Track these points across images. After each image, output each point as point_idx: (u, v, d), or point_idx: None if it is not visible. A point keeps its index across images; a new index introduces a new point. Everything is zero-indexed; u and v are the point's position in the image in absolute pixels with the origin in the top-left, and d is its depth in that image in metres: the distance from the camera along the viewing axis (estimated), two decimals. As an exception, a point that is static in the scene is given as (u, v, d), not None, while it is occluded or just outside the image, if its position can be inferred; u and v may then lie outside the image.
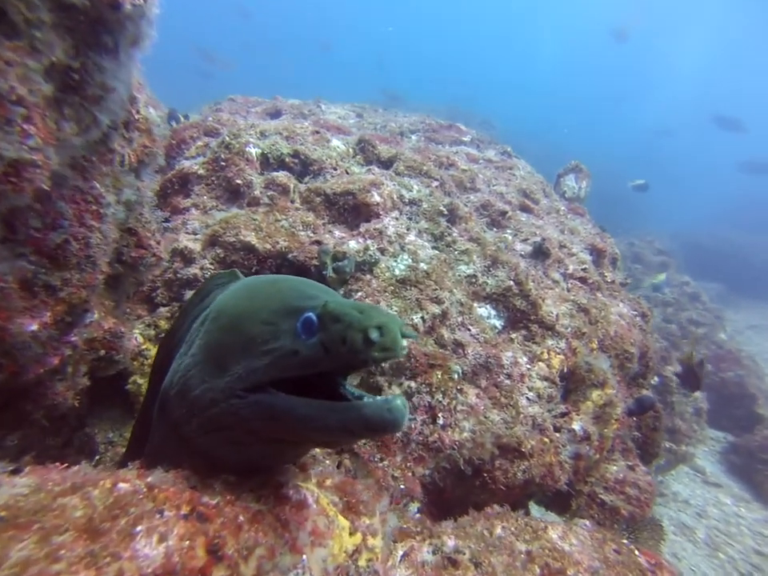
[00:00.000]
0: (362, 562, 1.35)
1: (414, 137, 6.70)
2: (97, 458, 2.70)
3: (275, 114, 6.72)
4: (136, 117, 1.94)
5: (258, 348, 1.11)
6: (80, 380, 2.13)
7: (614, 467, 3.27)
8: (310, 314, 1.09)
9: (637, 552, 2.16)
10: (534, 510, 3.82)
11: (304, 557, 1.15)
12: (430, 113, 9.20)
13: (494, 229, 4.22)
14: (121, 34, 1.16)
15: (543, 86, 41.98)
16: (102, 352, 2.25)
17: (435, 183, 4.03)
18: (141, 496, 1.04)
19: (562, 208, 5.91)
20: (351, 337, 1.01)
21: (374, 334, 1.00)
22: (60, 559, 0.82)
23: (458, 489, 2.58)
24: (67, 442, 2.68)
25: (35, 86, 0.93)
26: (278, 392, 1.08)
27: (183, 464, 1.25)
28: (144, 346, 2.98)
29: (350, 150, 4.17)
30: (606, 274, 4.64)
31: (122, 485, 1.04)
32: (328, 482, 1.47)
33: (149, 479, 1.10)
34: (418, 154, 4.70)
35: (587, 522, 2.72)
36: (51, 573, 0.80)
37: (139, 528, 0.95)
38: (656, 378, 5.91)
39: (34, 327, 1.49)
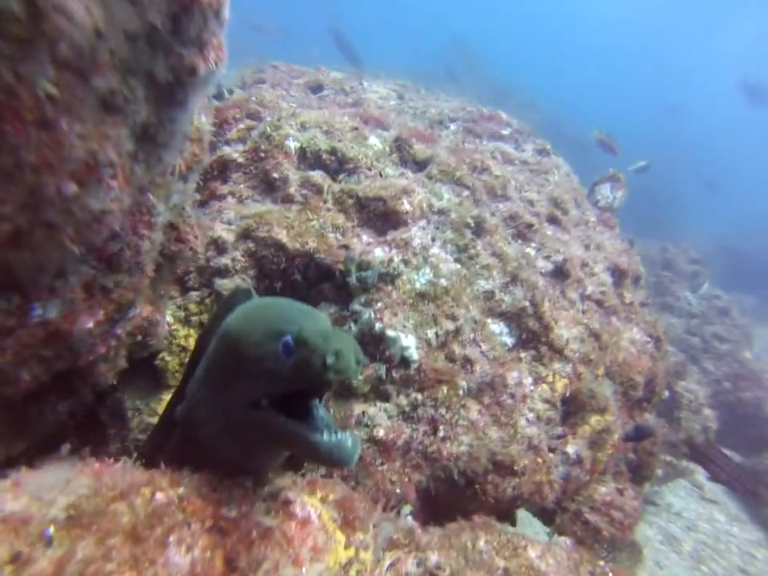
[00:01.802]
0: (352, 573, 1.54)
1: (452, 126, 6.66)
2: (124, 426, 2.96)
3: (317, 88, 6.75)
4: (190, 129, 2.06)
5: (252, 368, 1.30)
6: (120, 362, 2.35)
7: (603, 488, 3.42)
8: (288, 337, 1.25)
9: (611, 575, 2.27)
10: (522, 514, 4.02)
11: (304, 569, 1.34)
12: (473, 90, 9.00)
13: (519, 241, 4.26)
14: (193, 92, 1.28)
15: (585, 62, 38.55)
16: (139, 338, 2.47)
17: (466, 192, 4.08)
18: (173, 507, 1.23)
19: (593, 219, 5.87)
20: (313, 360, 1.19)
21: (330, 359, 1.17)
22: (112, 560, 1.01)
23: (450, 496, 2.77)
24: (100, 402, 2.95)
25: (124, 148, 1.08)
26: (270, 408, 1.28)
27: (204, 462, 1.43)
28: (174, 327, 3.19)
29: (387, 148, 4.22)
30: (625, 295, 4.66)
31: (158, 495, 1.23)
32: (331, 497, 1.65)
33: (180, 490, 1.29)
34: (453, 155, 4.71)
35: (568, 541, 2.89)
36: (105, 571, 1.00)
37: (171, 538, 1.14)
38: (666, 393, 5.91)
39: (90, 325, 1.68)
